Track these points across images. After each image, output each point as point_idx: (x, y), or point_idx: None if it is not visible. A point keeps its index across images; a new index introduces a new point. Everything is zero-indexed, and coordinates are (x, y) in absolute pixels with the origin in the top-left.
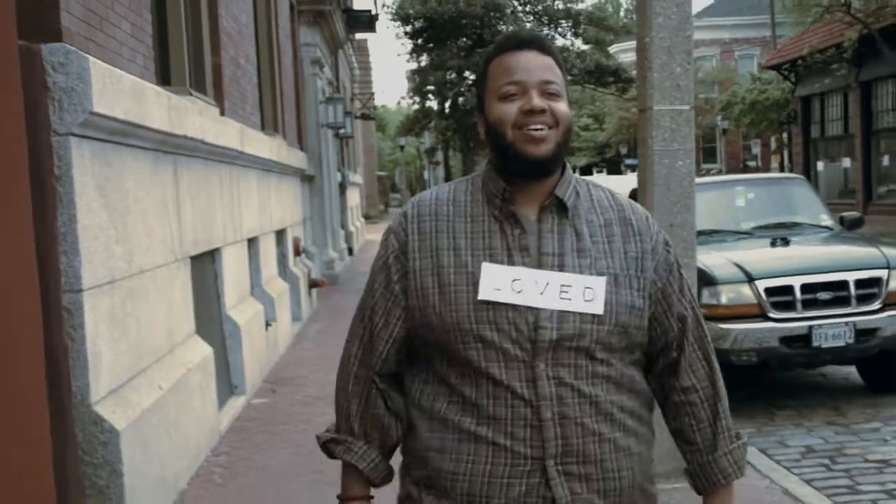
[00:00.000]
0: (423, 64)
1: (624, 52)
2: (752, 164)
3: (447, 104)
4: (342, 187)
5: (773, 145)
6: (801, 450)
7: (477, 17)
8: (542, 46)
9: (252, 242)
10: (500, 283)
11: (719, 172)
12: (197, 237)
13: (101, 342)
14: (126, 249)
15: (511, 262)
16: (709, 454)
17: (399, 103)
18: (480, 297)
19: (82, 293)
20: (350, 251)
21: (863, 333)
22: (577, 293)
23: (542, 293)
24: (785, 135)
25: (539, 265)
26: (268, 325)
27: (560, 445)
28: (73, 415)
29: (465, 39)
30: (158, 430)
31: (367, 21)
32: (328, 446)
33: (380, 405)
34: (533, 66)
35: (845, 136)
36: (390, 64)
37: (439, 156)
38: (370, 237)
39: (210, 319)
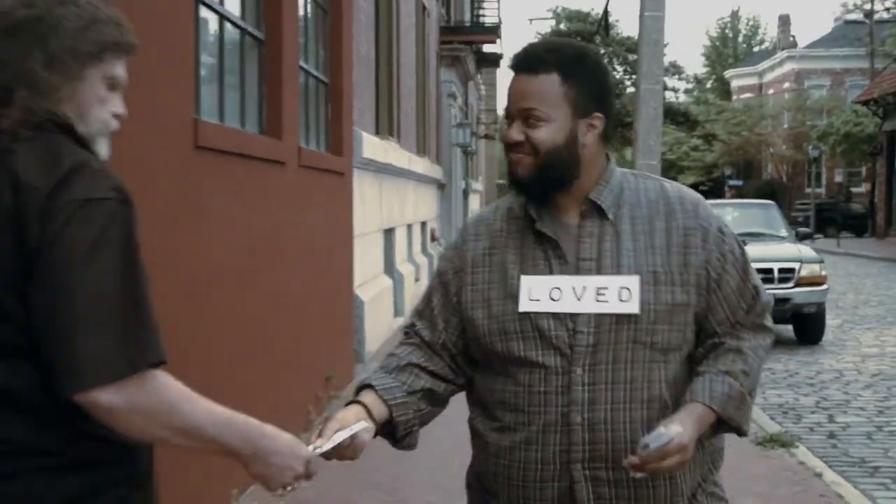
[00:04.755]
0: None
1: (738, 78)
2: (854, 189)
3: None
4: (465, 193)
5: (864, 174)
6: None
7: None
8: (532, 67)
9: (410, 227)
10: (538, 293)
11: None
12: (385, 220)
13: (355, 262)
14: (364, 220)
15: (550, 272)
16: (699, 371)
17: None
18: (520, 308)
19: (353, 237)
20: None
21: (780, 301)
22: (612, 294)
23: (579, 298)
24: (869, 166)
25: (577, 271)
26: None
27: (588, 450)
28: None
29: None
30: (374, 309)
31: (493, 59)
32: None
33: (421, 374)
34: (517, 93)
35: None
36: None
37: None
38: None
39: (390, 267)
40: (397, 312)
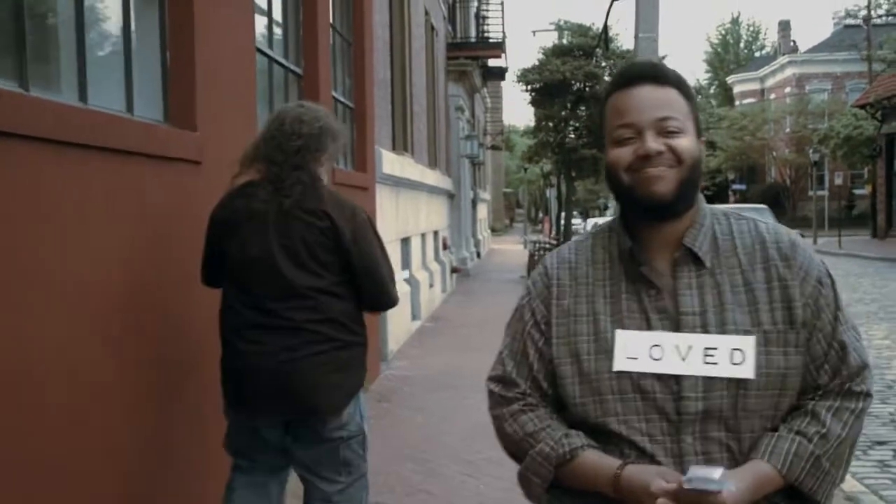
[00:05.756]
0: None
1: (740, 83)
2: (858, 191)
3: (556, 142)
4: (474, 203)
5: (866, 176)
6: None
7: (578, 81)
8: (658, 77)
9: (424, 236)
10: (636, 350)
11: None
12: (402, 230)
13: None
14: (384, 230)
15: (648, 327)
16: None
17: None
18: (615, 367)
19: None
20: (478, 255)
21: None
22: (723, 356)
23: (684, 359)
24: (869, 168)
25: (678, 327)
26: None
27: None
28: None
29: (570, 97)
30: (395, 313)
31: (498, 73)
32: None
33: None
34: (646, 103)
35: None
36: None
37: (554, 179)
38: (495, 247)
39: (406, 274)
40: (414, 316)
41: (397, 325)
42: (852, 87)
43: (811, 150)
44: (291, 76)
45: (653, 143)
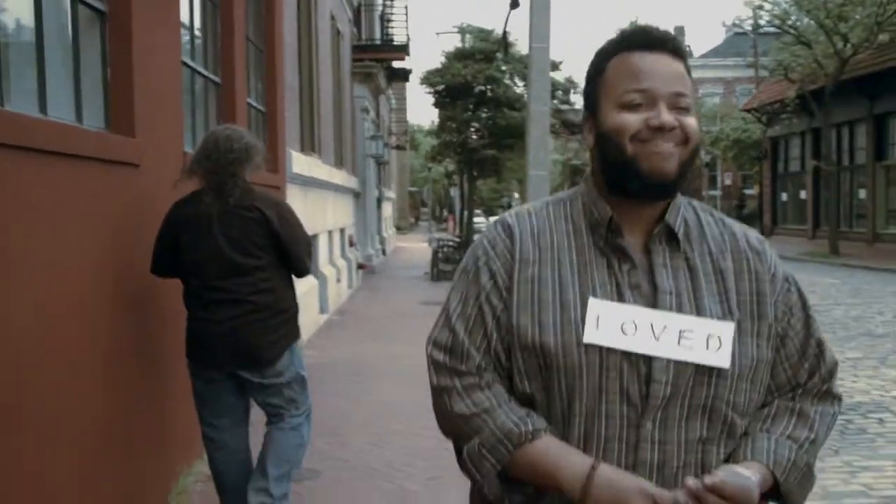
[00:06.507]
0: (443, 113)
1: None
2: (748, 191)
3: (459, 142)
4: (379, 201)
5: (754, 177)
6: None
7: (479, 84)
8: (677, 50)
9: (331, 233)
10: (607, 323)
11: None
12: (310, 227)
13: None
14: None
15: (621, 300)
16: (755, 430)
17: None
18: (586, 339)
19: None
20: (384, 252)
21: None
22: (699, 340)
23: (657, 338)
24: (756, 169)
25: (654, 304)
26: (358, 267)
27: None
28: None
29: (472, 99)
30: (303, 306)
31: (403, 75)
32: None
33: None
34: (665, 73)
35: (801, 172)
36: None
37: (457, 179)
38: (400, 244)
39: (315, 269)
40: (322, 310)
41: (306, 317)
42: (742, 91)
43: (703, 152)
44: (211, 85)
45: (668, 116)
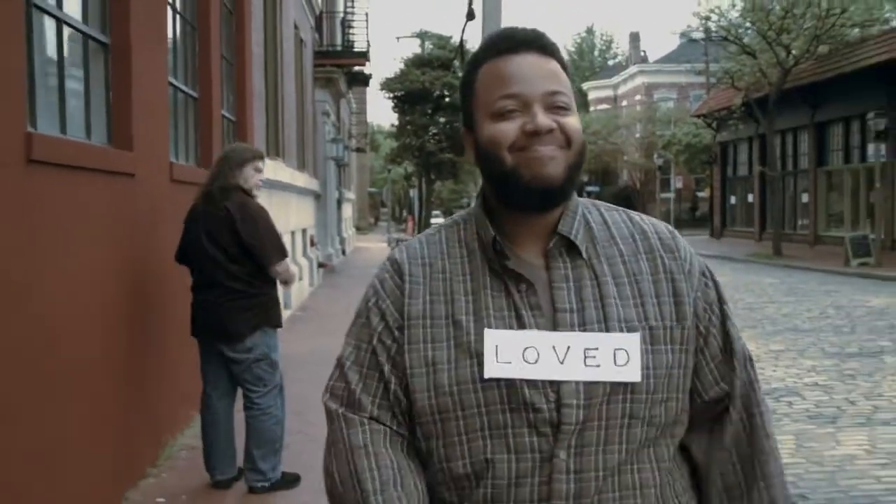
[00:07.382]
0: (402, 118)
1: (595, 90)
2: (700, 194)
3: (417, 146)
4: (339, 203)
5: (706, 181)
6: None
7: (437, 90)
8: (544, 47)
9: (293, 234)
10: (508, 353)
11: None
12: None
13: None
14: None
15: (521, 326)
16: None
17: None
18: (487, 374)
19: None
20: (344, 252)
21: None
22: (605, 357)
23: (562, 361)
24: (707, 172)
25: (555, 326)
26: (320, 266)
27: None
28: None
29: (430, 105)
30: None
31: (363, 79)
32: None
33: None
34: (535, 73)
35: (749, 176)
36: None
37: (416, 180)
38: (359, 245)
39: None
40: (285, 306)
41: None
42: (695, 97)
43: (656, 155)
44: (190, 100)
45: (543, 118)
